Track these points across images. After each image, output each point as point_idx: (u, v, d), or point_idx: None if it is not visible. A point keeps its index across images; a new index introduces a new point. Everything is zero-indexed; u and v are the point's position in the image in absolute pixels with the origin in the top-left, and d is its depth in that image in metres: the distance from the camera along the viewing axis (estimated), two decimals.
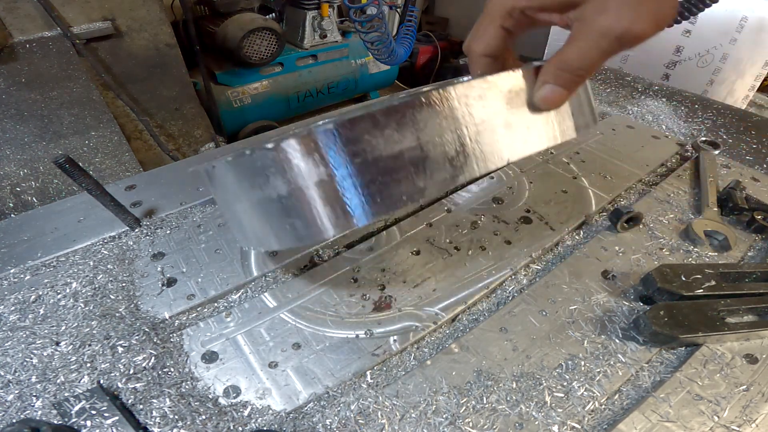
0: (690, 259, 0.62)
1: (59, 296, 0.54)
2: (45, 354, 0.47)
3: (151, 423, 0.41)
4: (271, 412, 0.43)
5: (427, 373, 0.47)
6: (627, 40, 0.36)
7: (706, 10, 0.80)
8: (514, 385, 0.46)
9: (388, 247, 0.63)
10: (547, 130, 0.39)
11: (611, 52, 0.37)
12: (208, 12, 2.48)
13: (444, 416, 0.43)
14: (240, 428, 0.42)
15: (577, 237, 0.67)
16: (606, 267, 0.60)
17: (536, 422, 0.43)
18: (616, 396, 0.46)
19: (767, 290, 0.54)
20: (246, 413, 0.43)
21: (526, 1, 0.39)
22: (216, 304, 0.55)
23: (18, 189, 1.31)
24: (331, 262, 0.60)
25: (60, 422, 0.39)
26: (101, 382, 0.44)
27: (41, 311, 0.52)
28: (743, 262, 0.63)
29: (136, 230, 0.64)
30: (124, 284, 0.56)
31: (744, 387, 0.46)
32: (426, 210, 0.70)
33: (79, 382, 0.44)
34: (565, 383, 0.46)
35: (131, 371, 0.45)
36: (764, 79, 1.94)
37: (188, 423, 0.41)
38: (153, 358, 0.47)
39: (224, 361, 0.48)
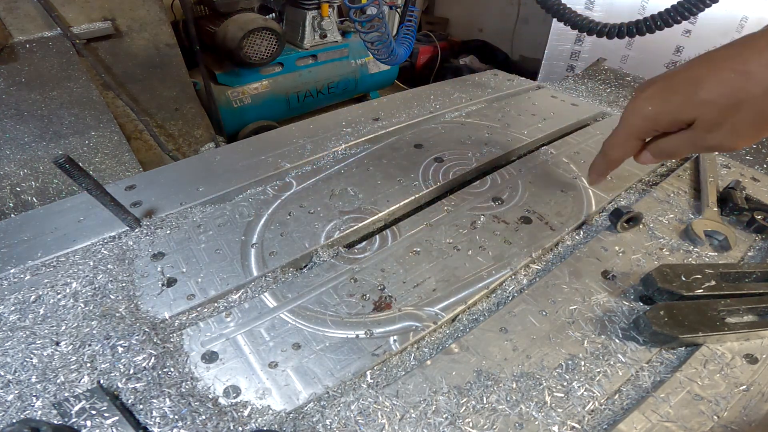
0: (690, 259, 0.62)
1: (59, 296, 0.54)
2: (45, 354, 0.47)
3: (151, 423, 0.41)
4: (271, 412, 0.43)
5: (427, 373, 0.47)
6: (722, 150, 0.51)
7: (706, 10, 0.80)
8: (514, 385, 0.46)
9: (388, 247, 0.63)
10: None
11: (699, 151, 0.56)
12: (208, 12, 2.48)
13: (444, 416, 0.43)
14: (240, 428, 0.42)
15: (577, 237, 0.67)
16: (606, 267, 0.60)
17: (536, 422, 0.43)
18: (616, 396, 0.46)
19: (767, 290, 0.54)
20: (246, 413, 0.43)
21: (662, 126, 0.51)
22: (216, 304, 0.55)
23: (18, 189, 1.31)
24: (331, 262, 0.60)
25: (60, 422, 0.39)
26: (101, 382, 0.44)
27: (41, 311, 0.52)
28: (743, 262, 0.63)
29: (136, 230, 0.64)
30: (124, 284, 0.56)
31: (744, 387, 0.46)
32: (426, 210, 0.70)
33: (79, 382, 0.44)
34: (565, 383, 0.46)
35: (131, 371, 0.45)
36: None
37: (188, 423, 0.41)
38: (153, 358, 0.47)
39: (224, 361, 0.48)
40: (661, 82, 0.50)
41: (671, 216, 0.69)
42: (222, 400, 0.44)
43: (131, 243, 0.63)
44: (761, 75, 0.43)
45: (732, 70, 0.44)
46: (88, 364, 0.46)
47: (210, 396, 0.44)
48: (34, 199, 1.31)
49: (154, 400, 0.43)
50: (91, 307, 0.52)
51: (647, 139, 0.54)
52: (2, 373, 0.45)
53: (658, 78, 0.51)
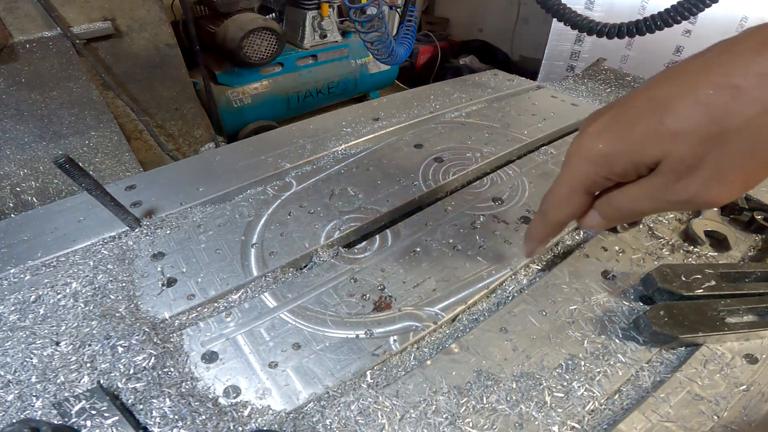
0: (690, 259, 0.62)
1: (59, 296, 0.54)
2: (45, 354, 0.47)
3: (151, 423, 0.41)
4: (271, 412, 0.43)
5: (427, 373, 0.47)
6: (698, 206, 0.36)
7: (706, 10, 0.80)
8: (514, 385, 0.46)
9: (388, 247, 0.63)
10: None
11: (670, 209, 0.37)
12: (208, 12, 2.48)
13: (444, 416, 0.43)
14: (240, 428, 0.42)
15: (577, 237, 0.67)
16: (606, 267, 0.60)
17: (536, 422, 0.43)
18: (616, 396, 0.46)
19: (767, 290, 0.54)
20: (246, 413, 0.43)
21: (616, 172, 0.37)
22: (216, 304, 0.55)
23: (18, 189, 1.31)
24: (331, 262, 0.60)
25: (60, 422, 0.39)
26: (101, 382, 0.44)
27: (41, 311, 0.52)
28: (743, 262, 0.63)
29: (136, 230, 0.64)
30: (124, 284, 0.56)
31: (744, 387, 0.46)
32: (426, 210, 0.70)
33: (79, 382, 0.44)
34: (565, 383, 0.46)
35: (131, 371, 0.45)
36: None
37: (188, 423, 0.41)
38: (153, 358, 0.47)
39: (224, 361, 0.48)
40: (616, 108, 0.36)
41: (671, 216, 0.69)
42: (222, 400, 0.44)
43: (131, 243, 0.63)
44: (753, 90, 0.30)
45: (712, 86, 0.31)
46: (88, 364, 0.46)
47: (210, 396, 0.44)
48: (34, 199, 1.31)
49: (154, 400, 0.43)
50: (91, 307, 0.52)
51: (597, 193, 0.41)
52: (2, 373, 0.45)
53: (610, 106, 0.37)
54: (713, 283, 0.53)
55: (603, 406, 0.45)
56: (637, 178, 0.37)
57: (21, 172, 1.34)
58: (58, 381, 0.44)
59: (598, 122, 0.37)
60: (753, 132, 0.30)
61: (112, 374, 0.45)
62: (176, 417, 0.42)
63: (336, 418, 0.43)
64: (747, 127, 0.30)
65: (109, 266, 0.58)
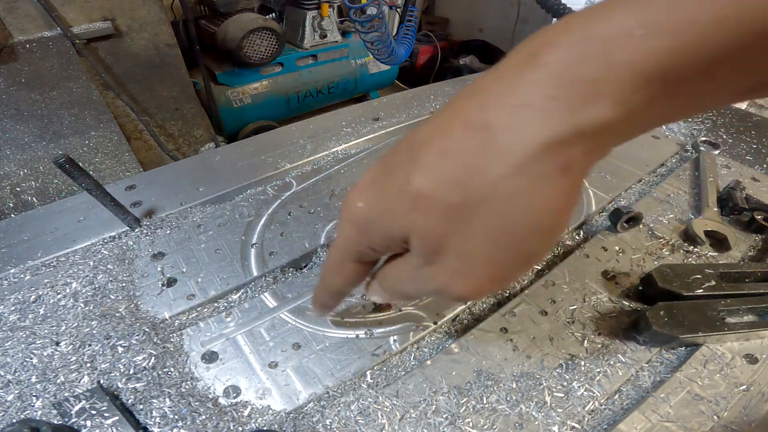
0: (690, 259, 0.62)
1: (59, 296, 0.54)
2: (45, 354, 0.47)
3: (151, 423, 0.41)
4: (271, 412, 0.43)
5: (427, 373, 0.47)
6: (453, 299, 0.30)
7: None
8: (514, 385, 0.46)
9: None
10: None
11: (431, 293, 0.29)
12: (208, 12, 2.48)
13: (444, 416, 0.43)
14: (240, 428, 0.42)
15: (577, 237, 0.67)
16: (606, 267, 0.60)
17: (536, 422, 0.43)
18: (616, 396, 0.46)
19: (767, 290, 0.54)
20: (246, 413, 0.43)
21: (375, 241, 0.29)
22: (216, 304, 0.55)
23: (18, 189, 1.31)
24: None
25: (60, 422, 0.39)
26: (101, 382, 0.44)
27: (41, 311, 0.52)
28: (743, 262, 0.63)
29: (136, 230, 0.64)
30: (124, 284, 0.56)
31: (744, 387, 0.46)
32: None
33: (79, 382, 0.44)
34: (565, 383, 0.46)
35: (131, 371, 0.45)
36: None
37: (188, 423, 0.41)
38: (153, 358, 0.47)
39: (224, 361, 0.48)
40: (386, 155, 0.28)
41: (671, 216, 0.69)
42: (222, 400, 0.44)
43: (131, 243, 0.63)
44: (505, 133, 0.21)
45: (463, 126, 0.22)
46: (88, 364, 0.46)
47: (210, 396, 0.44)
48: (34, 199, 1.31)
49: (154, 400, 0.43)
50: (91, 307, 0.52)
51: (376, 261, 0.33)
52: (2, 373, 0.45)
53: (394, 147, 0.28)
54: (713, 283, 0.53)
55: (603, 406, 0.45)
56: (404, 253, 0.29)
57: (21, 172, 1.34)
58: (58, 381, 0.44)
59: (367, 173, 0.29)
60: (501, 202, 0.21)
61: (112, 374, 0.45)
62: (176, 417, 0.42)
63: (336, 418, 0.43)
64: (493, 194, 0.21)
65: (109, 266, 0.58)
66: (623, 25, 0.20)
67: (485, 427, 0.42)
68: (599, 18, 0.20)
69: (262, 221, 0.67)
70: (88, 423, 0.39)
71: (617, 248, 0.63)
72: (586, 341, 0.50)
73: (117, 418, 0.39)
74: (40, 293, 0.54)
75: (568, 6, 0.94)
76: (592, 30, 0.20)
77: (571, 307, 0.54)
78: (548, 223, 0.22)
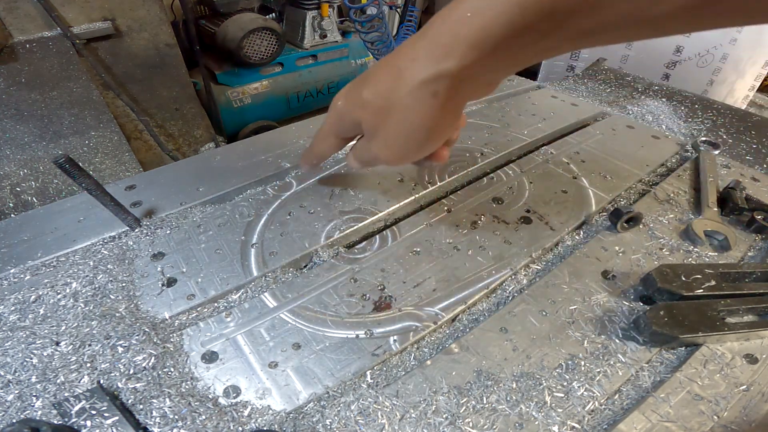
0: (690, 259, 0.62)
1: (59, 296, 0.54)
2: (45, 354, 0.47)
3: (151, 423, 0.41)
4: (271, 412, 0.43)
5: (427, 373, 0.47)
6: (383, 163, 0.47)
7: None
8: (514, 385, 0.46)
9: (388, 247, 0.63)
10: None
11: (371, 163, 0.50)
12: (208, 12, 2.48)
13: (444, 416, 0.43)
14: (240, 428, 0.42)
15: (577, 237, 0.67)
16: (606, 267, 0.60)
17: (536, 422, 0.43)
18: (616, 396, 0.46)
19: (767, 290, 0.54)
20: (246, 413, 0.43)
21: (345, 125, 0.47)
22: (216, 304, 0.55)
23: (18, 189, 1.31)
24: (331, 262, 0.60)
25: (60, 422, 0.39)
26: (101, 382, 0.44)
27: (41, 311, 0.52)
28: (743, 262, 0.63)
29: (136, 230, 0.64)
30: (124, 284, 0.56)
31: (744, 387, 0.46)
32: (426, 210, 0.70)
33: (79, 382, 0.44)
34: (565, 383, 0.46)
35: (131, 371, 0.45)
36: (764, 79, 1.94)
37: (188, 423, 0.41)
38: (153, 358, 0.47)
39: (224, 361, 0.48)
40: (362, 74, 0.45)
41: (671, 216, 0.69)
42: (222, 400, 0.44)
43: (131, 243, 0.63)
44: (407, 71, 0.36)
45: (390, 66, 0.38)
46: (88, 364, 0.46)
47: (210, 396, 0.44)
48: (34, 199, 1.31)
49: (154, 400, 0.43)
50: (91, 307, 0.52)
51: (351, 138, 0.51)
52: (2, 373, 0.45)
53: (366, 70, 0.46)
54: (713, 283, 0.53)
55: (603, 406, 0.45)
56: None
57: (21, 172, 1.34)
58: (58, 381, 0.45)
59: (349, 83, 0.46)
60: (405, 108, 0.38)
61: (112, 374, 0.45)
62: (176, 417, 0.42)
63: (336, 418, 0.43)
64: (401, 103, 0.38)
65: (109, 266, 0.58)
66: (463, 11, 0.33)
67: (485, 427, 0.42)
68: (454, 7, 0.34)
69: (262, 221, 0.67)
70: (88, 423, 0.39)
71: (617, 248, 0.63)
72: (586, 341, 0.50)
73: (117, 418, 0.39)
74: (40, 293, 0.54)
75: None
76: (449, 15, 0.34)
77: (571, 307, 0.54)
78: (425, 125, 0.39)
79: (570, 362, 0.48)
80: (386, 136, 0.41)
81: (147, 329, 0.50)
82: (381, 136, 0.41)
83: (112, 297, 0.54)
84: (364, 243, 0.64)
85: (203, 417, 0.42)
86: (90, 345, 0.48)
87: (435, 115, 0.38)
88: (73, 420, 0.39)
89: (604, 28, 0.31)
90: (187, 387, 0.45)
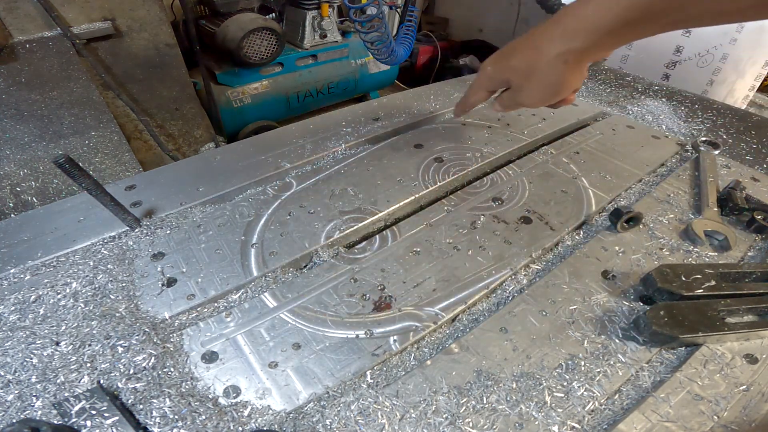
0: (690, 259, 0.62)
1: (59, 296, 0.54)
2: (45, 354, 0.47)
3: (151, 423, 0.41)
4: (271, 412, 0.43)
5: (427, 373, 0.47)
6: (528, 106, 0.67)
7: None
8: (514, 385, 0.46)
9: (388, 247, 0.63)
10: None
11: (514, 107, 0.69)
12: (208, 12, 2.48)
13: (444, 416, 0.43)
14: (240, 428, 0.42)
15: (577, 237, 0.67)
16: (606, 267, 0.60)
17: (536, 422, 0.43)
18: (616, 396, 0.46)
19: (767, 290, 0.54)
20: (246, 413, 0.43)
21: (496, 83, 0.67)
22: (216, 304, 0.55)
23: (18, 189, 1.31)
24: (331, 262, 0.60)
25: (60, 422, 0.39)
26: (101, 382, 0.44)
27: (41, 311, 0.52)
28: (743, 262, 0.63)
29: (136, 230, 0.64)
30: (124, 284, 0.56)
31: (744, 387, 0.46)
32: (426, 210, 0.70)
33: (79, 382, 0.44)
34: (565, 383, 0.46)
35: (131, 371, 0.45)
36: (764, 79, 1.94)
37: (188, 423, 0.41)
38: (153, 358, 0.47)
39: (224, 361, 0.48)
40: (501, 50, 0.64)
41: (671, 216, 0.69)
42: (222, 400, 0.44)
43: (131, 243, 0.63)
44: (544, 48, 0.55)
45: (529, 45, 0.57)
46: (88, 364, 0.46)
47: (210, 396, 0.44)
48: (34, 199, 1.31)
49: (154, 400, 0.43)
50: (91, 307, 0.52)
51: (497, 92, 0.69)
52: (2, 373, 0.45)
53: (504, 46, 0.64)
54: (713, 283, 0.53)
55: (603, 406, 0.45)
56: (508, 88, 0.65)
57: (21, 172, 1.34)
58: (58, 381, 0.44)
59: (493, 55, 0.65)
60: (542, 73, 0.57)
61: (112, 374, 0.45)
62: (176, 417, 0.42)
63: (336, 418, 0.43)
64: (541, 69, 0.57)
65: (109, 266, 0.58)
66: (586, 9, 0.52)
67: (485, 427, 0.42)
68: (581, 5, 0.53)
69: (262, 221, 0.67)
70: (88, 423, 0.39)
71: (617, 248, 0.63)
72: (586, 341, 0.50)
73: (117, 418, 0.39)
74: (40, 293, 0.54)
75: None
76: (577, 10, 0.53)
77: (571, 307, 0.54)
78: (559, 81, 0.58)
79: (570, 362, 0.48)
80: (531, 90, 0.60)
81: (147, 329, 0.50)
82: (526, 90, 0.60)
83: (112, 297, 0.54)
84: (364, 243, 0.64)
85: (203, 417, 0.42)
86: (90, 345, 0.48)
87: (566, 75, 0.56)
88: (73, 420, 0.39)
89: (692, 19, 0.46)
90: (187, 387, 0.45)
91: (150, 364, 0.46)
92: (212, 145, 2.20)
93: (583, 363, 0.48)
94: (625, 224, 0.65)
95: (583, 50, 0.53)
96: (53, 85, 1.49)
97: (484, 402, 0.44)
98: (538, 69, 0.57)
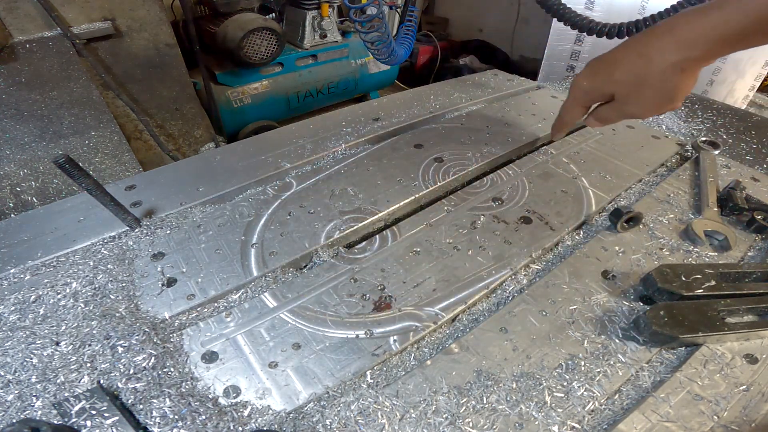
0: (690, 259, 0.62)
1: (59, 296, 0.54)
2: (45, 354, 0.47)
3: (151, 423, 0.41)
4: (271, 412, 0.43)
5: (427, 373, 0.47)
6: (636, 117, 0.70)
7: None
8: (514, 385, 0.46)
9: (388, 247, 0.63)
10: None
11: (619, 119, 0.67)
12: (208, 12, 2.48)
13: (444, 416, 0.43)
14: (240, 428, 0.42)
15: (577, 237, 0.67)
16: (606, 267, 0.60)
17: (536, 422, 0.43)
18: (616, 396, 0.46)
19: (767, 290, 0.54)
20: (246, 413, 0.43)
21: (594, 98, 0.64)
22: (216, 304, 0.55)
23: (18, 189, 1.31)
24: (331, 262, 0.60)
25: (60, 422, 0.39)
26: (101, 382, 0.44)
27: (41, 311, 0.52)
28: (743, 262, 0.63)
29: (136, 230, 0.64)
30: (124, 284, 0.56)
31: (744, 387, 0.46)
32: (426, 210, 0.70)
33: (79, 382, 0.44)
34: (565, 383, 0.46)
35: (131, 371, 0.45)
36: (764, 79, 1.94)
37: (188, 423, 0.41)
38: (153, 358, 0.47)
39: (224, 361, 0.48)
40: (594, 63, 0.62)
41: (671, 216, 0.69)
42: (222, 400, 0.44)
43: (131, 243, 0.63)
44: (656, 58, 0.54)
45: (636, 54, 0.56)
46: (88, 364, 0.46)
47: (210, 396, 0.44)
48: (34, 199, 1.31)
49: (154, 400, 0.43)
50: (91, 307, 0.52)
51: (591, 107, 0.67)
52: (2, 373, 0.45)
53: (595, 59, 0.62)
54: (713, 283, 0.53)
55: (603, 406, 0.45)
56: (607, 102, 0.63)
57: (21, 172, 1.34)
58: (58, 381, 0.44)
59: (585, 69, 0.63)
60: (656, 82, 0.55)
61: (112, 374, 0.45)
62: (176, 417, 0.42)
63: (336, 418, 0.43)
64: (652, 80, 0.55)
65: (109, 266, 0.58)
66: (706, 21, 0.51)
67: (485, 427, 0.42)
68: (699, 16, 0.52)
69: (262, 221, 0.67)
70: (88, 423, 0.39)
71: (617, 248, 0.63)
72: (586, 341, 0.50)
73: (117, 418, 0.39)
74: (40, 293, 0.54)
75: (568, 6, 0.94)
76: (695, 20, 0.52)
77: (571, 307, 0.54)
78: (674, 89, 0.55)
79: (570, 362, 0.48)
80: (642, 100, 0.58)
81: (147, 329, 0.50)
82: (635, 101, 0.58)
83: (112, 297, 0.54)
84: (364, 243, 0.64)
85: (203, 417, 0.42)
86: (90, 345, 0.48)
87: (682, 84, 0.55)
88: (73, 420, 0.39)
89: None
90: (187, 387, 0.45)
91: (150, 364, 0.46)
92: (212, 145, 2.20)
93: (583, 363, 0.48)
94: (625, 224, 0.65)
95: (700, 59, 0.53)
96: (53, 85, 1.49)
97: (484, 402, 0.44)
98: (649, 79, 0.55)
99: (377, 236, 0.65)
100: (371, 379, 0.47)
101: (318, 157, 0.82)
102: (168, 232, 0.65)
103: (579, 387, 0.45)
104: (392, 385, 0.46)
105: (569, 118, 0.71)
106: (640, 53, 0.55)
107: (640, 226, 0.67)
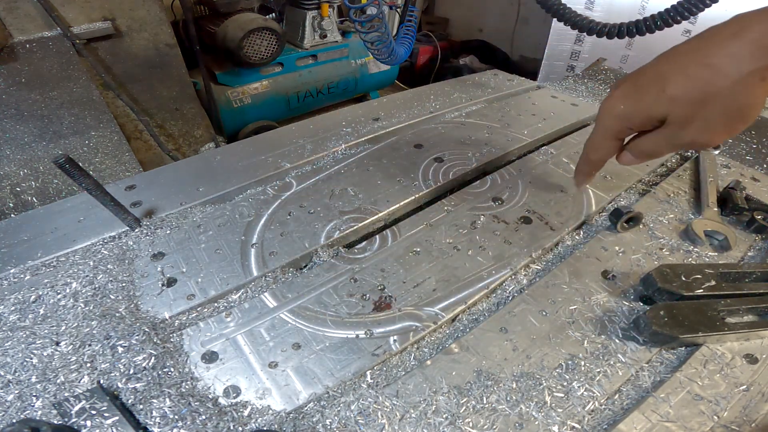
0: (690, 259, 0.62)
1: (59, 296, 0.54)
2: (45, 354, 0.47)
3: (151, 423, 0.41)
4: (271, 412, 0.43)
5: (427, 373, 0.47)
6: (698, 147, 0.59)
7: (706, 10, 0.80)
8: (514, 385, 0.46)
9: (388, 247, 0.63)
10: None
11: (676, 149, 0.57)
12: (208, 12, 2.48)
13: (444, 416, 0.43)
14: (240, 428, 0.42)
15: (577, 237, 0.67)
16: (606, 267, 0.60)
17: (536, 422, 0.43)
18: (616, 396, 0.46)
19: (767, 290, 0.54)
20: (246, 413, 0.43)
21: (635, 125, 0.50)
22: (216, 304, 0.55)
23: (18, 189, 1.31)
24: (331, 262, 0.60)
25: (60, 422, 0.39)
26: (101, 382, 0.44)
27: (41, 311, 0.52)
28: (743, 262, 0.63)
29: (136, 230, 0.64)
30: (124, 284, 0.56)
31: (744, 387, 0.46)
32: (426, 210, 0.70)
33: (79, 382, 0.44)
34: (565, 383, 0.46)
35: (131, 371, 0.45)
36: None
37: (188, 423, 0.41)
38: (153, 358, 0.47)
39: (224, 361, 0.48)
40: (632, 79, 0.50)
41: (671, 216, 0.69)
42: (222, 400, 0.44)
43: (131, 243, 0.63)
44: (726, 67, 0.43)
45: (697, 64, 0.45)
46: (88, 364, 0.46)
47: (210, 396, 0.44)
48: (34, 199, 1.31)
49: (154, 400, 0.43)
50: (91, 307, 0.52)
51: (626, 139, 0.54)
52: (2, 373, 0.45)
53: (629, 75, 0.50)
54: (713, 283, 0.53)
55: (603, 406, 0.45)
56: (651, 129, 0.50)
57: (21, 172, 1.34)
58: (58, 381, 0.44)
59: (619, 89, 0.50)
60: (726, 97, 0.43)
61: (112, 374, 0.45)
62: (176, 417, 0.42)
63: (336, 418, 0.43)
64: (721, 94, 0.43)
65: (109, 266, 0.58)
66: None
67: (485, 427, 0.42)
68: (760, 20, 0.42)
69: (262, 221, 0.67)
70: (88, 423, 0.39)
71: (617, 248, 0.63)
72: (586, 341, 0.50)
73: (117, 418, 0.39)
74: (40, 293, 0.54)
75: (568, 6, 0.94)
76: (759, 25, 0.42)
77: (571, 307, 0.54)
78: (752, 104, 0.44)
79: (570, 362, 0.48)
80: (710, 121, 0.45)
81: (147, 329, 0.50)
82: (701, 122, 0.46)
83: (112, 297, 0.54)
84: (364, 243, 0.64)
85: (203, 417, 0.42)
86: (90, 345, 0.48)
87: (759, 97, 0.44)
88: (73, 420, 0.39)
89: None
90: (187, 387, 0.45)
91: (150, 364, 0.46)
92: (212, 145, 2.21)
93: (583, 363, 0.48)
94: (625, 224, 0.65)
95: None
96: (53, 85, 1.49)
97: (484, 402, 0.44)
98: (720, 93, 0.43)
99: (377, 236, 0.65)
100: (371, 379, 0.47)
101: (318, 157, 0.82)
102: (168, 232, 0.65)
103: (579, 387, 0.45)
104: (392, 385, 0.46)
105: (599, 156, 0.56)
106: (704, 63, 0.44)
107: (640, 226, 0.67)
